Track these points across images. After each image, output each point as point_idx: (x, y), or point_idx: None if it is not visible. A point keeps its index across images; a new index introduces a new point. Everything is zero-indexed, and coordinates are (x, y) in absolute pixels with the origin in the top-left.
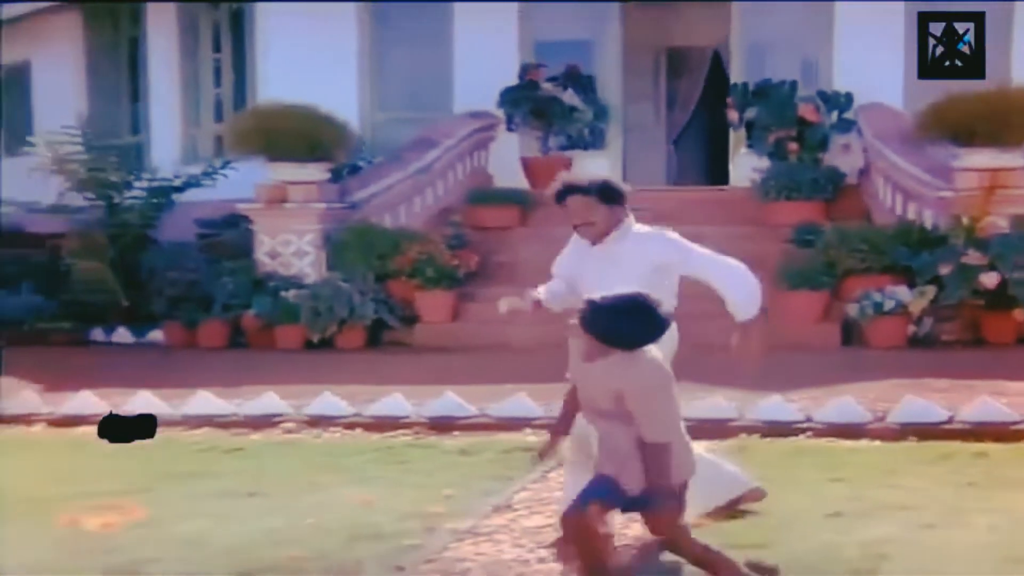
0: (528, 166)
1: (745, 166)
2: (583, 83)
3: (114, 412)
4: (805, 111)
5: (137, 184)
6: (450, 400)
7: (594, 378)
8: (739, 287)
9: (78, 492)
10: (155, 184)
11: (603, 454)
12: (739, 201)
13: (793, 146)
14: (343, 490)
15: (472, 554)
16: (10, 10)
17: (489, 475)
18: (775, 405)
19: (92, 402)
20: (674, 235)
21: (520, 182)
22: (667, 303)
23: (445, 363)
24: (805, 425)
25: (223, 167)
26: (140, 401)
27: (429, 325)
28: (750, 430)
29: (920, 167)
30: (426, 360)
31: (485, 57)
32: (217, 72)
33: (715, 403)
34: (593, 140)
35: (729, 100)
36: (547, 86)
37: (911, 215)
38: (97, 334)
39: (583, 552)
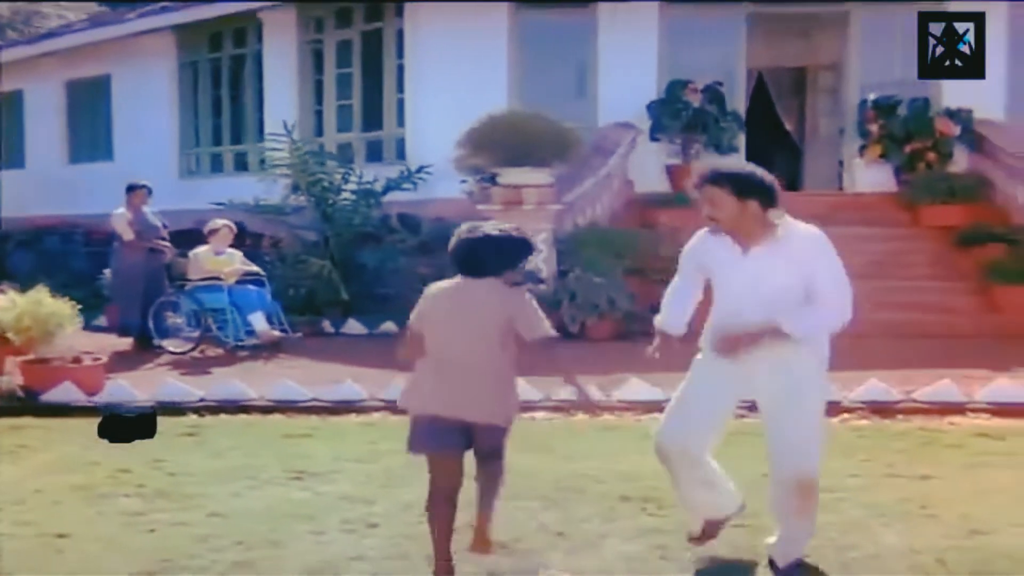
0: (673, 172)
1: (862, 174)
2: (720, 98)
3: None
4: (943, 125)
5: (345, 187)
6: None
7: None
8: (828, 314)
9: None
10: (361, 187)
11: None
12: (870, 205)
13: (932, 156)
14: None
15: None
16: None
17: None
18: None
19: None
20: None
21: (654, 186)
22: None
23: None
24: None
25: (418, 172)
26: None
27: None
28: None
29: None
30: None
31: (627, 72)
32: (341, 86)
33: None
34: (727, 148)
35: (870, 113)
36: (695, 99)
37: None
38: (326, 326)
39: None
